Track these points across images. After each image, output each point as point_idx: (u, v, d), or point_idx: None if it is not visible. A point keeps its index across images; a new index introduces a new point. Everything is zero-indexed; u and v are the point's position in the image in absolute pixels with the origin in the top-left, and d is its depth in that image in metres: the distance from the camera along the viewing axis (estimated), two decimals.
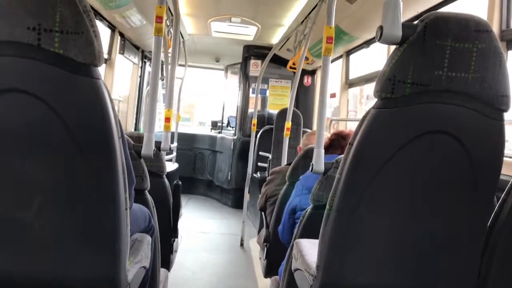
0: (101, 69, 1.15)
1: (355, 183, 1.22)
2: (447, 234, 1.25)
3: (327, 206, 1.29)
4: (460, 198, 1.22)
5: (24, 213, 1.13)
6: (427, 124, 1.17)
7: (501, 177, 1.22)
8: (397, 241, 1.26)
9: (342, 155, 1.29)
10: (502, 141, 1.19)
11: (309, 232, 1.77)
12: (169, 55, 3.05)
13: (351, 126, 4.10)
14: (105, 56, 3.92)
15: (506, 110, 1.18)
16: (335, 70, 4.53)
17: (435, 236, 1.25)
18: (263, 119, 5.80)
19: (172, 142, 4.84)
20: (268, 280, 2.76)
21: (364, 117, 1.20)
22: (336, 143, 2.18)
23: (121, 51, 4.26)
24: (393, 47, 1.17)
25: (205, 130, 7.67)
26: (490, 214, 1.27)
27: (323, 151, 1.93)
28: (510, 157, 2.00)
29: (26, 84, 1.06)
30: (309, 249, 1.55)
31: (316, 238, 1.37)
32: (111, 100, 1.13)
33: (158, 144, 2.29)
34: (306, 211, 1.86)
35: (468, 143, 1.17)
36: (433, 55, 1.12)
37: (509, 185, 1.24)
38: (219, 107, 7.31)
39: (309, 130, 4.46)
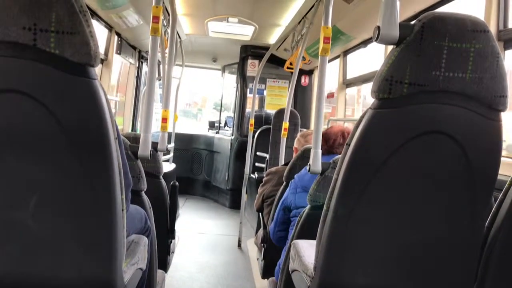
0: (98, 69, 1.14)
1: (352, 183, 1.21)
2: (445, 234, 1.25)
3: (325, 207, 1.29)
4: (457, 198, 1.22)
5: (19, 214, 1.12)
6: (424, 125, 1.16)
7: (499, 177, 1.22)
8: (395, 241, 1.25)
9: (340, 156, 1.28)
10: (500, 141, 1.19)
11: (307, 232, 1.76)
12: (166, 55, 3.04)
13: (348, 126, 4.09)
14: (102, 56, 3.91)
15: (503, 110, 1.17)
16: (333, 70, 4.53)
17: (432, 237, 1.25)
18: (261, 119, 5.80)
19: (169, 143, 4.83)
20: (266, 281, 2.76)
21: (362, 117, 1.20)
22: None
23: (118, 51, 4.25)
24: (390, 47, 1.17)
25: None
26: (488, 214, 1.27)
27: (320, 151, 1.93)
28: (507, 157, 2.00)
29: (21, 84, 1.06)
30: (306, 250, 1.55)
31: (314, 238, 1.36)
32: (107, 100, 1.12)
33: (155, 145, 2.28)
34: (304, 211, 1.85)
35: (465, 143, 1.17)
36: (430, 55, 1.12)
37: (506, 185, 1.24)
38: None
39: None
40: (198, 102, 13.27)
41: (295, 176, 2.20)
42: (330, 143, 2.16)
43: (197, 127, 8.93)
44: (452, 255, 1.27)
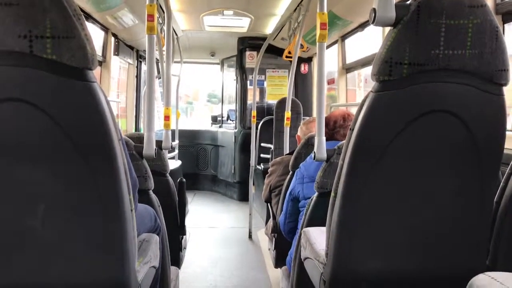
0: (97, 72, 1.14)
1: (358, 168, 1.21)
2: (454, 212, 1.25)
3: (332, 193, 1.29)
4: (465, 175, 1.22)
5: (29, 221, 1.13)
6: (427, 104, 1.16)
7: (505, 151, 1.22)
8: (405, 223, 1.26)
9: (344, 141, 1.28)
10: (504, 116, 1.18)
11: (316, 220, 1.77)
12: (164, 52, 3.04)
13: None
14: (100, 58, 3.91)
15: (505, 84, 1.17)
16: (333, 55, 4.51)
17: (442, 216, 1.25)
18: (263, 110, 5.79)
19: (173, 140, 4.84)
20: (279, 270, 2.77)
21: (363, 101, 1.19)
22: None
23: (116, 52, 4.24)
24: (388, 29, 1.16)
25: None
26: (496, 189, 1.27)
27: (324, 138, 1.93)
28: None
29: (21, 92, 1.06)
30: (317, 237, 1.55)
31: (323, 225, 1.37)
32: (107, 102, 1.12)
33: (159, 143, 2.28)
34: (312, 199, 1.86)
35: (469, 120, 1.16)
36: (428, 34, 1.11)
37: None
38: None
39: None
40: (190, 94, 12.27)
41: (301, 165, 2.19)
42: (331, 125, 2.14)
43: (187, 124, 8.29)
44: (463, 233, 1.27)
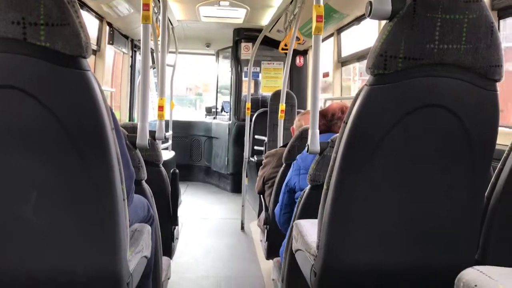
0: (91, 61, 1.13)
1: (351, 161, 1.22)
2: (446, 206, 1.26)
3: (325, 186, 1.29)
4: (457, 169, 1.23)
5: (22, 209, 1.13)
6: (421, 98, 1.16)
7: (497, 147, 1.23)
8: (397, 216, 1.26)
9: (337, 134, 1.28)
10: (497, 111, 1.19)
11: (308, 212, 1.78)
12: (159, 42, 3.02)
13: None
14: (94, 47, 3.88)
15: (499, 80, 1.17)
16: (328, 49, 4.50)
17: (434, 210, 1.26)
18: (257, 103, 5.78)
19: (167, 131, 4.82)
20: (271, 261, 2.78)
21: (358, 94, 1.19)
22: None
23: (110, 41, 4.21)
24: (383, 23, 1.16)
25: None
26: (487, 184, 1.28)
27: (318, 131, 1.93)
28: (505, 127, 2.00)
29: (14, 79, 1.05)
30: (308, 229, 1.56)
31: (315, 218, 1.37)
32: (101, 91, 1.11)
33: (152, 134, 2.28)
34: (304, 192, 1.86)
35: (462, 115, 1.17)
36: (424, 28, 1.11)
37: (504, 154, 1.24)
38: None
39: (303, 111, 4.45)
40: (200, 85, 11.79)
41: (297, 157, 2.20)
42: (329, 117, 2.15)
43: (195, 116, 8.31)
44: (453, 227, 1.28)
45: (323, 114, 2.15)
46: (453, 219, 1.27)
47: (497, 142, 1.22)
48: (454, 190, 1.25)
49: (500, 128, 1.23)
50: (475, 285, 0.89)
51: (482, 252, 1.28)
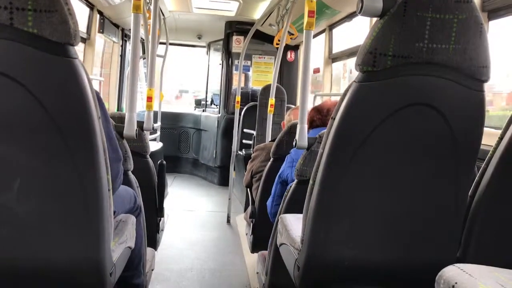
0: (81, 49, 1.12)
1: (338, 156, 1.22)
2: (429, 204, 1.27)
3: (310, 181, 1.30)
4: (442, 168, 1.24)
5: (5, 197, 1.11)
6: (409, 97, 1.17)
7: (482, 147, 1.24)
8: (381, 213, 1.27)
9: (325, 130, 1.29)
10: (483, 112, 1.20)
11: (294, 207, 1.78)
12: (150, 33, 3.00)
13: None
14: (84, 35, 3.84)
15: (486, 81, 1.18)
16: (320, 45, 4.50)
17: (417, 207, 1.27)
18: (247, 96, 5.77)
19: (155, 122, 4.80)
20: (255, 255, 2.79)
21: (346, 91, 1.20)
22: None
23: (101, 30, 4.16)
24: (375, 21, 1.17)
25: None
26: (471, 183, 1.29)
27: (306, 126, 1.93)
28: (490, 127, 2.03)
29: (0, 65, 1.03)
30: (293, 224, 1.56)
31: (301, 212, 1.38)
32: (89, 80, 1.10)
33: (140, 124, 2.27)
34: (290, 186, 1.87)
35: (449, 114, 1.18)
36: (413, 27, 1.11)
37: (489, 154, 1.26)
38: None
39: (293, 106, 4.45)
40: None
41: (291, 150, 2.21)
42: (324, 112, 2.16)
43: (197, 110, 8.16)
44: (436, 225, 1.29)
45: (319, 109, 2.17)
46: (435, 216, 1.28)
47: (482, 142, 1.23)
48: (438, 188, 1.26)
49: (485, 129, 1.24)
50: (456, 283, 0.91)
51: (464, 250, 1.30)
